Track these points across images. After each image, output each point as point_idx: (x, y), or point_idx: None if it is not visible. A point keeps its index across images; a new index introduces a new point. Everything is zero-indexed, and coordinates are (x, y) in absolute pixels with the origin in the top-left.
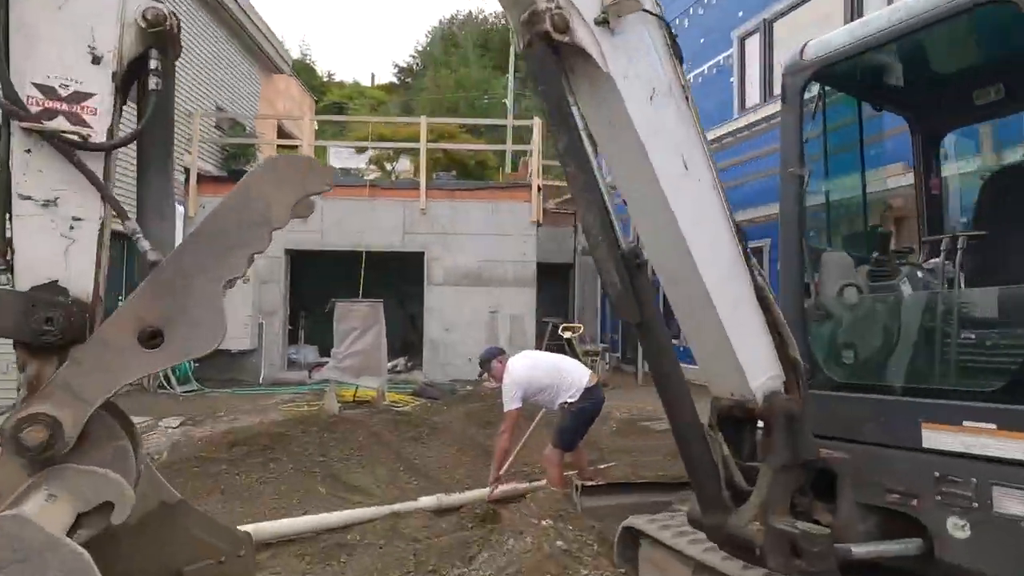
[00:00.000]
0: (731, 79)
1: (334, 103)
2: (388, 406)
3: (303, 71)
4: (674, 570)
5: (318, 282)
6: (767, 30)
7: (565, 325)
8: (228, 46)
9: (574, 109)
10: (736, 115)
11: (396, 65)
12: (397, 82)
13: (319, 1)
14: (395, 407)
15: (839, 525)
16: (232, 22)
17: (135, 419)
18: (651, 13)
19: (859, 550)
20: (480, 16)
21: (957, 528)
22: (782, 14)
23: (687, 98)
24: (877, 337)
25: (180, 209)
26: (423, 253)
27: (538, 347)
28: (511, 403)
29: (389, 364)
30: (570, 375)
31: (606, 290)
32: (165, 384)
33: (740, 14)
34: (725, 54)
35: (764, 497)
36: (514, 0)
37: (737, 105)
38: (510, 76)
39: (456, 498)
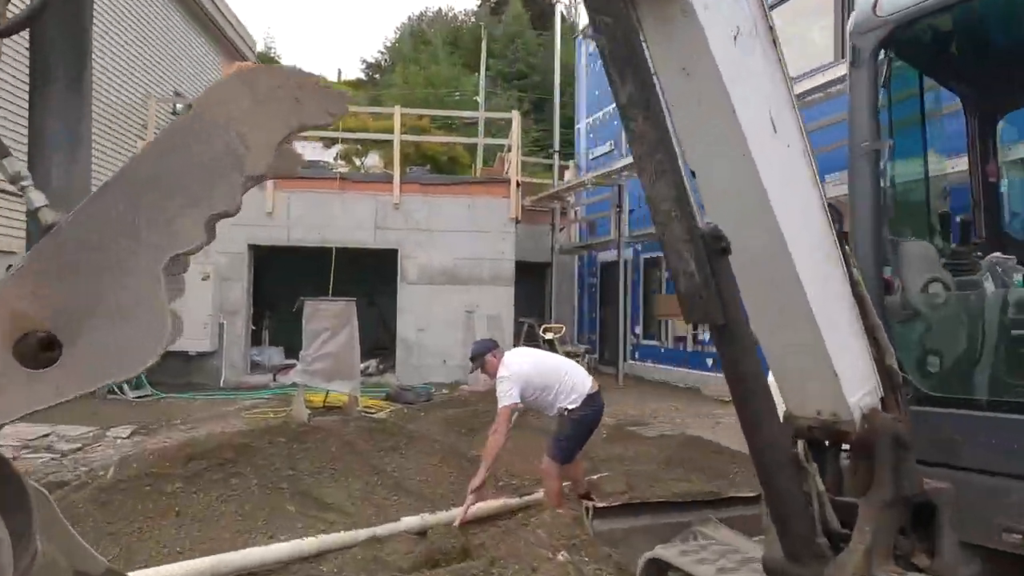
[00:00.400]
0: None
1: None
2: (361, 412)
3: (268, 63)
4: None
5: (284, 279)
6: None
7: (546, 326)
8: (187, 29)
9: (645, 45)
10: None
11: (364, 61)
12: (365, 78)
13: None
14: (369, 413)
15: (941, 570)
16: (192, 2)
17: (78, 428)
18: None
19: None
20: (450, 14)
21: None
22: (773, 6)
23: (775, 42)
24: (972, 341)
25: None
26: (396, 250)
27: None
28: (507, 398)
29: (360, 366)
30: (572, 378)
31: (676, 282)
32: (116, 389)
33: None
34: None
35: (869, 543)
36: None
37: None
38: (481, 74)
39: (443, 516)
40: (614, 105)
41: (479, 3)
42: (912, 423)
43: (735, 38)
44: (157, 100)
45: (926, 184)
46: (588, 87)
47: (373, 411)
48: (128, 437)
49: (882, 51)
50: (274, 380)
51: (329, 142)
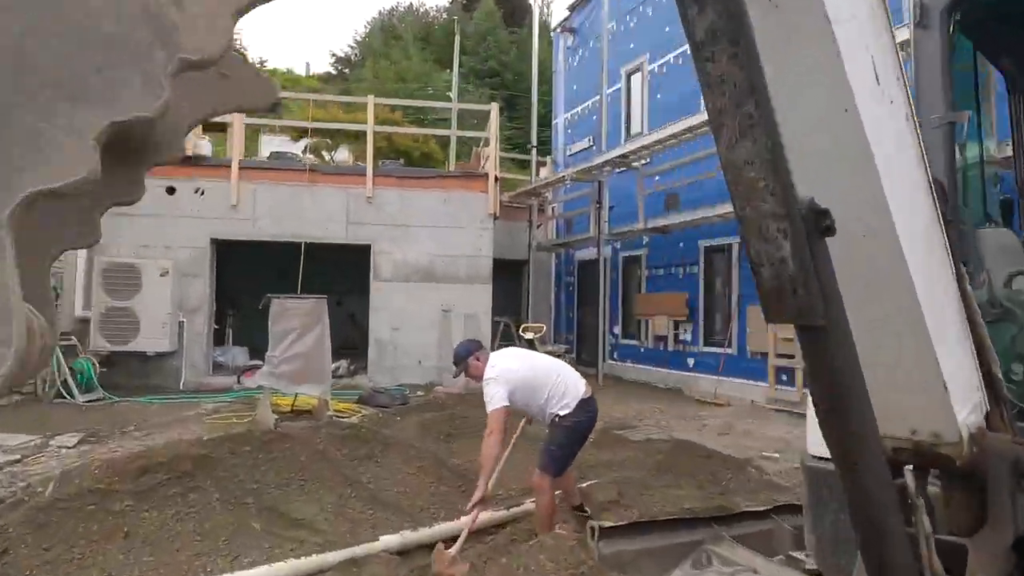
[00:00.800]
0: None
1: None
2: (333, 417)
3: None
4: None
5: (249, 276)
6: None
7: (526, 325)
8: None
9: None
10: (703, 107)
11: (333, 55)
12: (334, 72)
13: None
14: (341, 418)
15: None
16: None
17: (19, 437)
18: None
19: None
20: (421, 9)
21: None
22: None
23: None
24: None
25: None
26: (369, 246)
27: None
28: (496, 401)
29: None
30: (565, 381)
31: (759, 272)
32: (64, 392)
33: None
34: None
35: None
36: None
37: None
38: (454, 69)
39: (425, 534)
40: (593, 100)
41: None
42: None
43: None
44: None
45: (981, 169)
46: (566, 82)
47: (345, 416)
48: (74, 447)
49: (952, 12)
50: (238, 382)
51: (297, 134)
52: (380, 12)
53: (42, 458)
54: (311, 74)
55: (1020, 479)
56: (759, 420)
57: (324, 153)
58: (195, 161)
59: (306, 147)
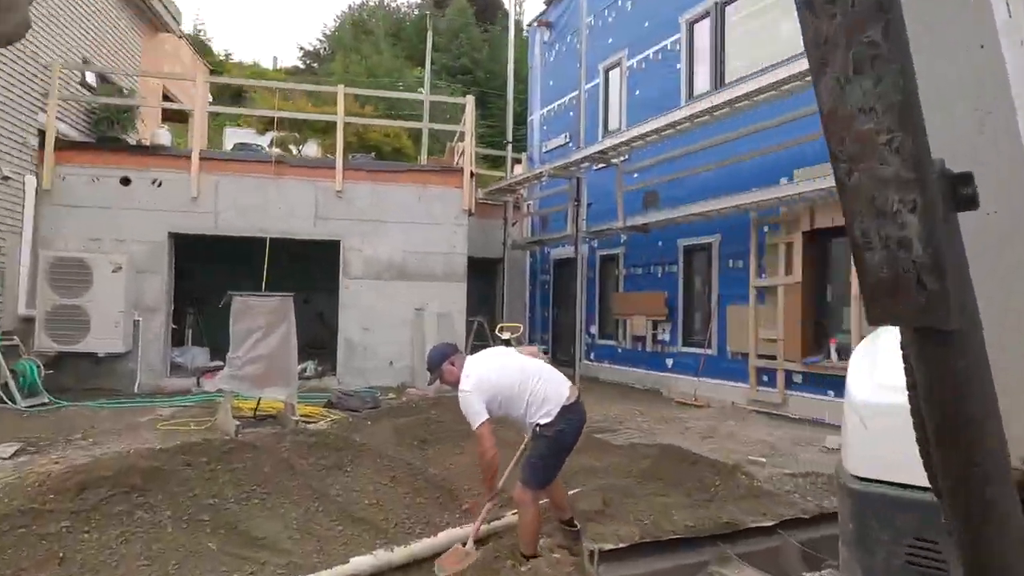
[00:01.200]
0: (678, 65)
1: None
2: (299, 423)
3: (196, 48)
4: None
5: (210, 272)
6: (719, 14)
7: (503, 325)
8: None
9: None
10: (683, 103)
11: (301, 48)
12: (302, 66)
13: None
14: (308, 423)
15: None
16: None
17: None
18: None
19: None
20: (392, 4)
21: None
22: None
23: None
24: None
25: (31, 179)
26: (339, 242)
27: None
28: (476, 417)
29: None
30: (545, 387)
31: (865, 256)
32: (4, 397)
33: None
34: (672, 38)
35: None
36: None
37: (685, 93)
38: (427, 65)
39: (401, 553)
40: (570, 96)
41: None
42: None
43: None
44: (62, 67)
45: None
46: (542, 77)
47: (312, 421)
48: (9, 458)
49: None
50: (197, 385)
51: (263, 126)
52: (350, 6)
53: None
54: (278, 67)
55: None
56: (740, 422)
57: (292, 147)
58: (153, 151)
59: (272, 140)
